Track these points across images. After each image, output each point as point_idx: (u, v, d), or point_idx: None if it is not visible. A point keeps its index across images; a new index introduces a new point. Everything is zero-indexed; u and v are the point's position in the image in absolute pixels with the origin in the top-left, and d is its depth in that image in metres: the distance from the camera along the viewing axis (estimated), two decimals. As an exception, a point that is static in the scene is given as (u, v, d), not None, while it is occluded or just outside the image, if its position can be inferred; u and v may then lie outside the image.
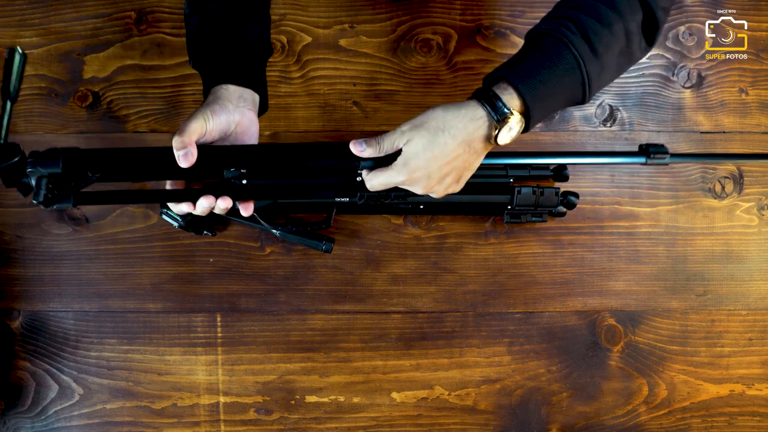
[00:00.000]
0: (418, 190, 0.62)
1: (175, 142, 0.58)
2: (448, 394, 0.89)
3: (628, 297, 0.90)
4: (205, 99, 0.64)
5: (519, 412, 0.90)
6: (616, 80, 0.89)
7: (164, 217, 0.82)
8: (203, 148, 0.61)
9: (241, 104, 0.63)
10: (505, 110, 0.58)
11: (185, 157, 0.58)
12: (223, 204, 0.63)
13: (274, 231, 0.83)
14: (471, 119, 0.59)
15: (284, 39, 0.88)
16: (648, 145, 0.71)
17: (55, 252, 0.88)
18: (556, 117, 0.89)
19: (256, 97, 0.66)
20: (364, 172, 0.63)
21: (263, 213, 0.82)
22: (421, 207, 0.84)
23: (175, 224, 0.82)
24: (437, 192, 0.63)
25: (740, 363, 0.90)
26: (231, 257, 0.88)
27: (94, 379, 0.88)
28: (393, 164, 0.61)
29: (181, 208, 0.64)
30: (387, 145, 0.60)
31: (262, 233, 0.88)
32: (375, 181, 0.62)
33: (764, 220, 0.90)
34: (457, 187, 0.64)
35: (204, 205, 0.63)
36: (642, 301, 0.90)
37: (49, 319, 0.88)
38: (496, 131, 0.59)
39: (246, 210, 0.66)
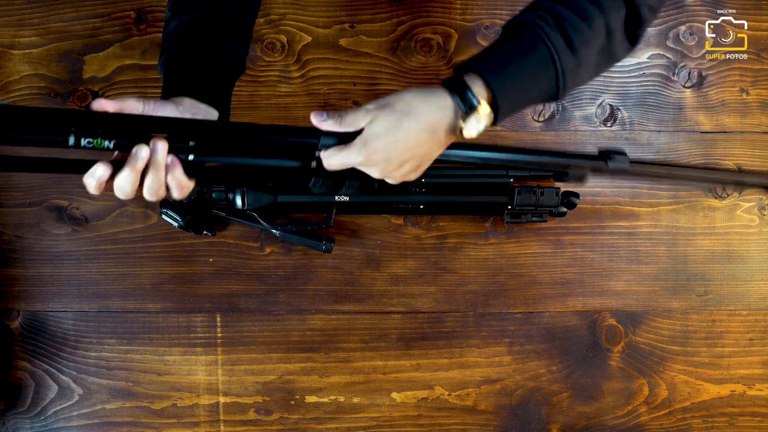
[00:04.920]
0: (374, 173, 0.60)
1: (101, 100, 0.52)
2: (449, 395, 0.89)
3: (629, 297, 0.90)
4: None
5: (519, 412, 0.89)
6: (616, 80, 0.90)
7: (164, 217, 0.82)
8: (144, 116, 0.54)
9: (192, 110, 0.59)
10: (474, 102, 0.55)
11: (97, 101, 0.50)
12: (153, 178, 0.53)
13: (274, 231, 0.83)
14: (438, 107, 0.56)
15: (284, 39, 0.88)
16: (607, 152, 0.67)
17: (55, 252, 0.88)
18: (557, 117, 0.89)
19: (213, 112, 0.62)
20: (322, 152, 0.59)
21: (263, 213, 0.82)
22: (421, 207, 0.84)
23: (175, 224, 0.82)
24: (394, 178, 0.60)
25: (741, 363, 0.90)
26: (231, 257, 0.88)
27: (94, 380, 0.88)
28: (352, 143, 0.57)
29: (97, 172, 0.52)
30: (349, 120, 0.57)
31: (262, 233, 0.88)
32: (332, 159, 0.58)
33: (765, 220, 0.90)
34: (415, 176, 0.61)
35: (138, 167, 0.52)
36: (642, 301, 0.90)
37: (49, 319, 0.88)
38: (463, 123, 0.56)
39: (179, 191, 0.56)
